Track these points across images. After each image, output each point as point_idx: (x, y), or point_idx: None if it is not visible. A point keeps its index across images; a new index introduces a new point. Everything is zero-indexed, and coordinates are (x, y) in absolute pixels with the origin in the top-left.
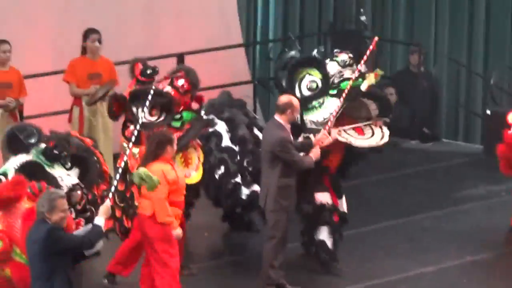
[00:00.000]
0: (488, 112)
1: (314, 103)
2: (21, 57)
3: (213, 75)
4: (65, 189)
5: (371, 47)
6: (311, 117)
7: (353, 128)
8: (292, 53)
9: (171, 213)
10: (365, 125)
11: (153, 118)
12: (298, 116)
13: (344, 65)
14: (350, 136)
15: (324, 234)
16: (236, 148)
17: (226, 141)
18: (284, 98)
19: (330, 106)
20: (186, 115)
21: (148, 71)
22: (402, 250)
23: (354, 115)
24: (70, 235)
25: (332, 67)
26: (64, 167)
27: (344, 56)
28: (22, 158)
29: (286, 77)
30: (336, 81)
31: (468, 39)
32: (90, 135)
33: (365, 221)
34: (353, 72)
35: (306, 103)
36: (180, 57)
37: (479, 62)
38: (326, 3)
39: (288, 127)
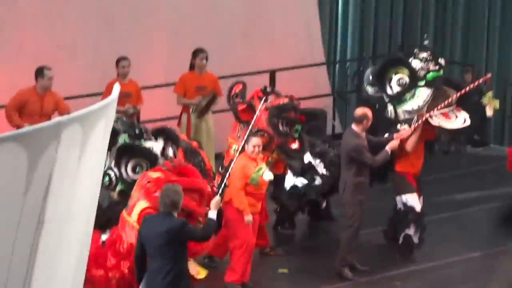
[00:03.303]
0: None
1: (406, 95)
2: (140, 71)
3: (299, 88)
4: (159, 154)
5: (480, 80)
6: (404, 108)
7: (441, 114)
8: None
9: (245, 202)
10: (449, 110)
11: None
12: (392, 111)
13: (425, 61)
14: (441, 120)
15: (411, 231)
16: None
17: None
18: (360, 111)
19: (421, 95)
20: (298, 127)
21: (268, 89)
22: (455, 237)
23: (435, 103)
24: (196, 228)
25: (415, 64)
26: (150, 140)
27: (424, 54)
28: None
29: (376, 79)
30: (422, 74)
31: None
32: (196, 138)
33: (425, 212)
34: (435, 65)
35: (399, 97)
36: (272, 73)
37: None
38: (395, 28)
39: (363, 135)
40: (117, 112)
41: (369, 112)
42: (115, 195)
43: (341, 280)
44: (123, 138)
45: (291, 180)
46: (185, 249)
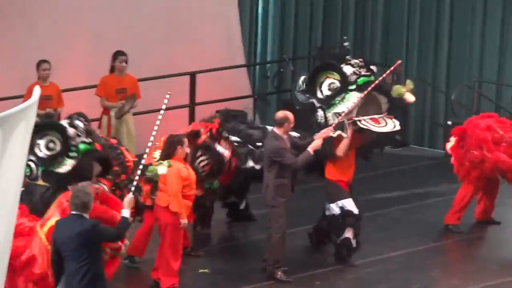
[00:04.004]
0: (449, 122)
1: (336, 99)
2: (60, 74)
3: (220, 90)
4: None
5: (392, 68)
6: (334, 111)
7: (370, 118)
8: (302, 78)
9: (182, 205)
10: (379, 117)
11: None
12: (322, 116)
13: (357, 66)
14: (369, 124)
15: (349, 234)
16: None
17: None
18: (281, 114)
19: (351, 98)
20: (215, 184)
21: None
22: (375, 237)
23: (366, 110)
24: (108, 228)
25: (347, 69)
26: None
27: (355, 60)
28: None
29: (307, 83)
30: (353, 78)
31: (433, 62)
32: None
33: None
34: (367, 71)
35: (328, 101)
36: (193, 76)
37: (442, 81)
38: (315, 31)
39: (285, 137)
40: (38, 115)
41: (290, 115)
42: (40, 181)
43: (260, 280)
44: None
45: None
46: (99, 250)
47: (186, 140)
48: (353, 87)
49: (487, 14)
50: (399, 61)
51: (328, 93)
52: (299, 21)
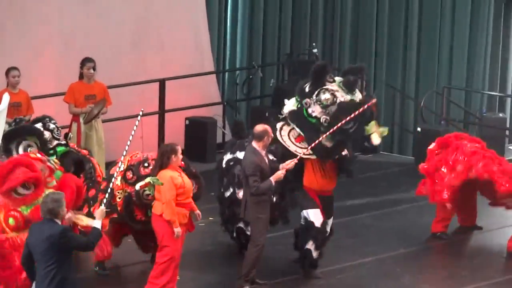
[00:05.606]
0: (419, 129)
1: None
2: (30, 81)
3: (189, 97)
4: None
5: (365, 106)
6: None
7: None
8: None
9: (175, 213)
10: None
11: None
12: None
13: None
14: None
15: (310, 245)
16: None
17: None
18: (260, 127)
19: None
20: None
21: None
22: (346, 243)
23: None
24: (79, 236)
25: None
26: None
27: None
28: None
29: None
30: (318, 114)
31: (402, 68)
32: (86, 147)
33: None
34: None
35: (303, 95)
36: (162, 83)
37: (412, 87)
38: (284, 37)
39: (263, 152)
40: (6, 122)
41: (269, 129)
42: None
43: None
44: None
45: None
46: (69, 255)
47: (179, 149)
48: (313, 121)
49: (455, 21)
50: (374, 100)
51: (314, 99)
52: (268, 28)
